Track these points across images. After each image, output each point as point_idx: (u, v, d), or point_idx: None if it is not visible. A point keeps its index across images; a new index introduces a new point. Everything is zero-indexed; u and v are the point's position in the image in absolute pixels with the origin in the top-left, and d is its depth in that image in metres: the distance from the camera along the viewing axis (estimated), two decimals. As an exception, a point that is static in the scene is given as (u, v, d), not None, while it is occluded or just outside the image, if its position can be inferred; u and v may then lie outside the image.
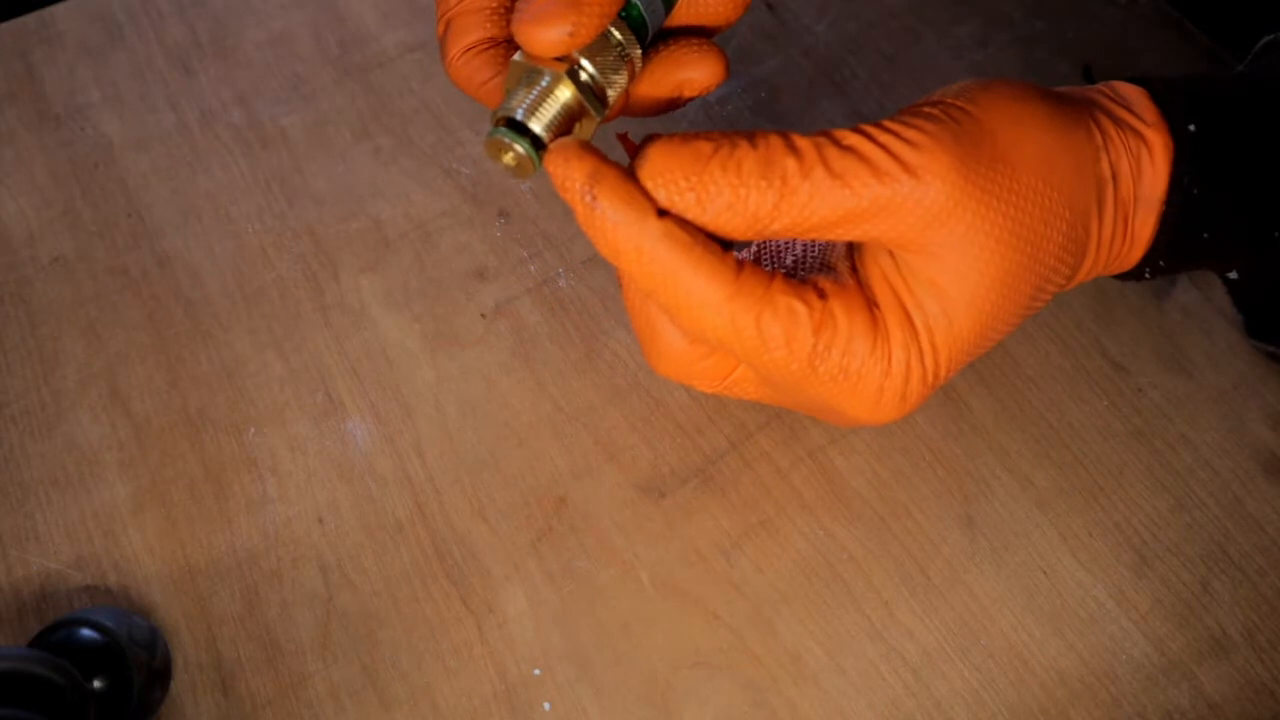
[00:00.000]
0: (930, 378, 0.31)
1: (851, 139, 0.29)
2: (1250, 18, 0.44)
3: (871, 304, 0.30)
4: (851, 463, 0.43)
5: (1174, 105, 0.33)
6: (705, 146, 0.28)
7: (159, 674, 0.39)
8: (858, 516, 0.42)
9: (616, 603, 0.41)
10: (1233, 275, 0.38)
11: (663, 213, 0.29)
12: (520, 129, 0.30)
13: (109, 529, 0.42)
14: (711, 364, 0.33)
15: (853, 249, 0.32)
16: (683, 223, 0.29)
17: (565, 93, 0.30)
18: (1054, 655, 0.40)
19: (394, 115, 0.53)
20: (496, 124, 0.30)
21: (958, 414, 0.44)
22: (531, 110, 0.30)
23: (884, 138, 0.29)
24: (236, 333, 0.47)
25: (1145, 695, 0.39)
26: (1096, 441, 0.44)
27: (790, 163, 0.28)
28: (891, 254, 0.30)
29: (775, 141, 0.29)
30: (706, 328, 0.30)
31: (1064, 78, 0.53)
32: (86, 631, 0.38)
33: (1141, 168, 0.32)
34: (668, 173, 0.28)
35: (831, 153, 0.28)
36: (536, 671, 0.40)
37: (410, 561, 0.42)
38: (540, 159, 0.30)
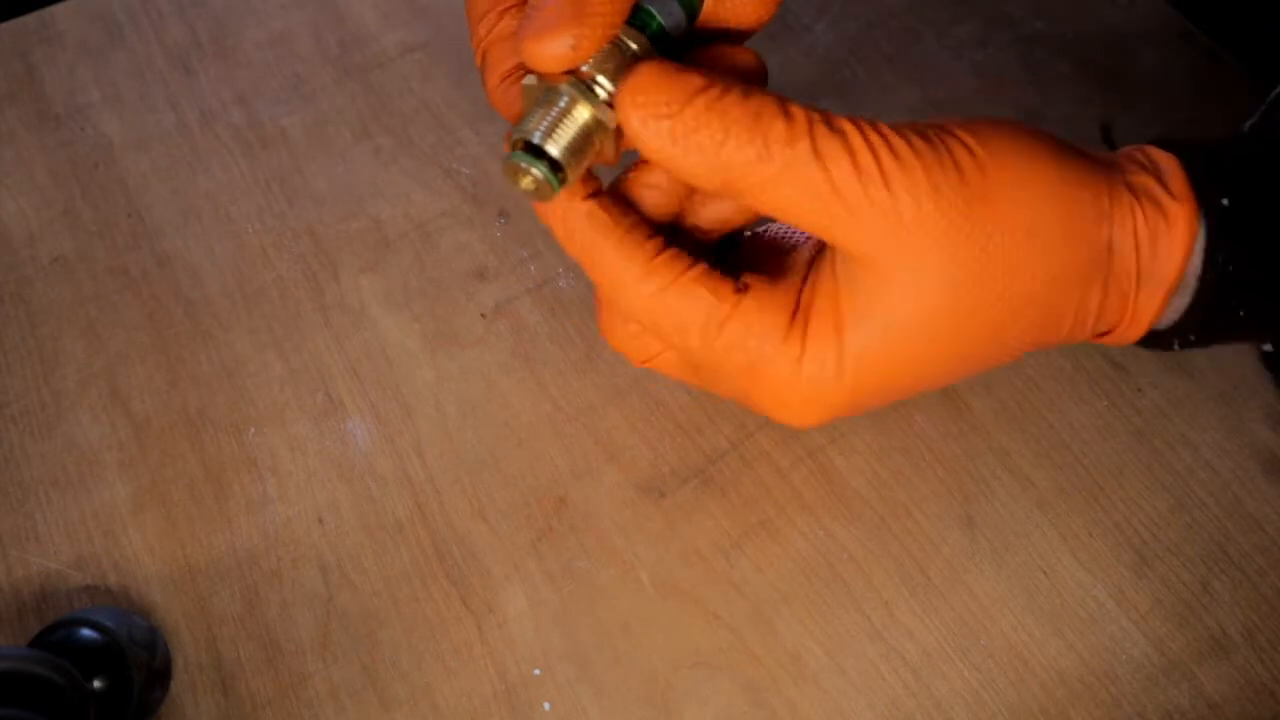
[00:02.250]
0: (846, 395, 0.30)
1: (844, 124, 0.28)
2: (1251, 18, 0.44)
3: (798, 306, 0.30)
4: (851, 463, 0.43)
5: (1204, 179, 0.31)
6: (696, 80, 0.28)
7: (159, 674, 0.39)
8: (858, 516, 0.42)
9: (616, 603, 0.41)
10: (1268, 348, 0.37)
11: (597, 194, 0.30)
12: (537, 152, 0.29)
13: (109, 529, 0.42)
14: (641, 339, 0.33)
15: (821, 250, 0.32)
16: (609, 206, 0.30)
17: (583, 112, 0.29)
18: (1054, 655, 0.40)
19: (394, 115, 0.53)
20: (514, 147, 0.29)
21: (958, 414, 0.44)
22: (549, 132, 0.29)
23: (873, 137, 0.28)
24: (236, 333, 0.47)
25: (1145, 695, 0.39)
26: (1096, 441, 0.44)
27: (779, 125, 0.28)
28: (844, 262, 0.29)
29: (769, 101, 0.28)
30: (625, 306, 0.31)
31: (1064, 78, 0.53)
32: (86, 631, 0.38)
33: (1157, 242, 0.30)
34: (650, 93, 0.28)
35: (821, 130, 0.28)
36: (536, 671, 0.40)
37: (410, 561, 0.42)
38: (559, 182, 0.29)
